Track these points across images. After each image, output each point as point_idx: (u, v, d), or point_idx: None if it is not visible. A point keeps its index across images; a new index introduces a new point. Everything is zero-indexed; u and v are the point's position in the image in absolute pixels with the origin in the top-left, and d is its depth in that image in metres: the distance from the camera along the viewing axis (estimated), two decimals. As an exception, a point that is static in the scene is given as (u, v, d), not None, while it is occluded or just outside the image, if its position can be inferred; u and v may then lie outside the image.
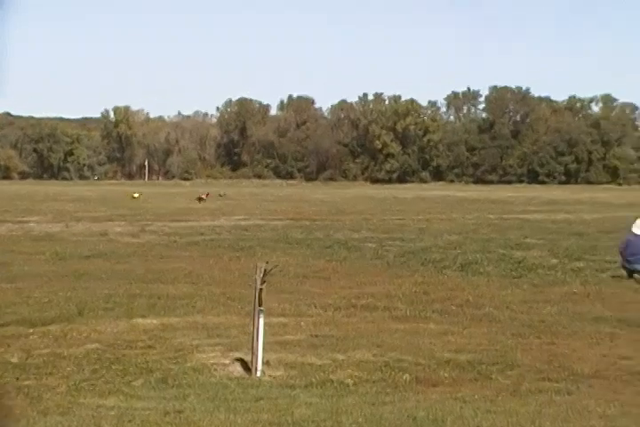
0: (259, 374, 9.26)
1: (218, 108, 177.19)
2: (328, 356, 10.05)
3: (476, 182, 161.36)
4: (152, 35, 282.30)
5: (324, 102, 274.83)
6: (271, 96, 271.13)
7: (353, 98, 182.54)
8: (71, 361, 9.79)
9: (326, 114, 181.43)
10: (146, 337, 11.10)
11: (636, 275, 18.61)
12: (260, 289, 9.44)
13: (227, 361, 9.75)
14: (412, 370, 9.45)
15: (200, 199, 60.60)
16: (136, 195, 64.72)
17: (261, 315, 9.37)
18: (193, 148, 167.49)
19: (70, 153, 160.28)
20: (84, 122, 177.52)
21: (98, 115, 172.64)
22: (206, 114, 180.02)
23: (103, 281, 16.79)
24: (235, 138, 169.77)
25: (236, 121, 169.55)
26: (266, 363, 9.43)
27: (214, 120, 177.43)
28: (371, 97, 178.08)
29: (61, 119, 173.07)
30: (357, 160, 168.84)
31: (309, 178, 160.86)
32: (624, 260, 19.00)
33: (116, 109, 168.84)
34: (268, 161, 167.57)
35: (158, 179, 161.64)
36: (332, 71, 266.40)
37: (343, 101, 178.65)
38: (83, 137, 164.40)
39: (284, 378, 9.17)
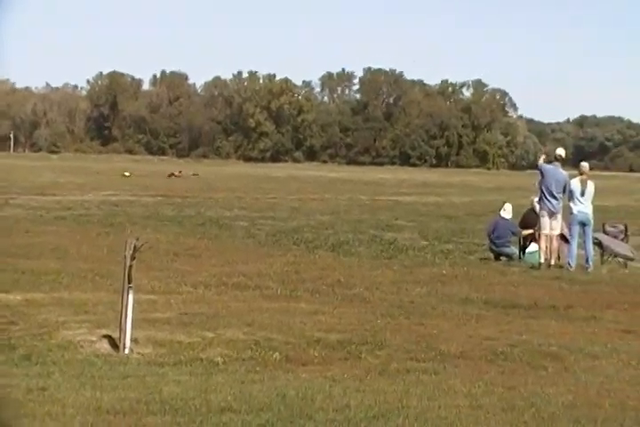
0: (127, 351, 9.09)
1: (88, 81, 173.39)
2: (198, 334, 9.93)
3: (348, 163, 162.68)
4: None
5: (198, 79, 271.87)
6: (144, 71, 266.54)
7: (227, 75, 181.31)
8: None
9: (200, 90, 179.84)
10: (8, 313, 10.75)
11: (502, 257, 19.09)
12: (130, 266, 9.24)
13: (94, 338, 9.52)
14: (283, 349, 9.42)
15: (172, 175, 59.81)
16: (127, 173, 61.52)
17: (130, 292, 9.19)
18: (61, 120, 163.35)
19: None
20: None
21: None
22: (76, 86, 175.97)
23: (-37, 255, 16.19)
24: (105, 112, 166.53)
25: (106, 95, 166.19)
26: (134, 340, 9.25)
27: (84, 93, 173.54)
28: (245, 75, 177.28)
29: None
30: (231, 138, 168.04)
31: (181, 155, 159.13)
32: (491, 242, 19.45)
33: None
34: (140, 136, 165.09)
35: (24, 151, 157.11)
36: (207, 47, 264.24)
37: (217, 78, 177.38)
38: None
39: (153, 356, 9.02)
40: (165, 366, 8.62)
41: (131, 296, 9.19)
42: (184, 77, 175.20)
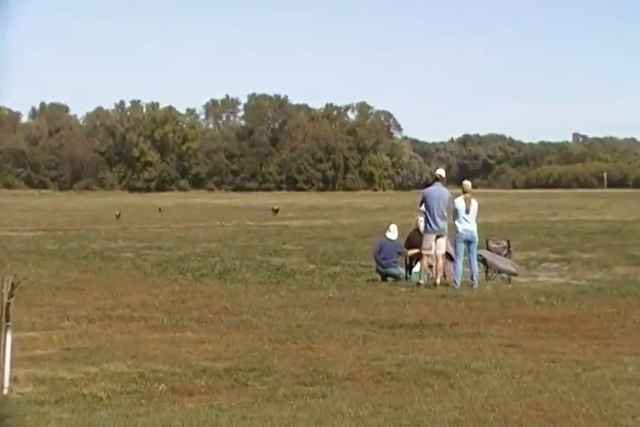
0: (5, 391, 8.79)
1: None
2: (80, 369, 9.70)
3: (235, 190, 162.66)
4: None
5: (80, 110, 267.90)
6: (22, 103, 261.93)
7: (109, 105, 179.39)
8: None
9: (82, 121, 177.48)
10: None
11: (389, 278, 19.24)
12: (8, 303, 8.97)
13: (-29, 380, 9.19)
14: (168, 380, 9.27)
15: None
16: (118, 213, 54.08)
17: (8, 330, 8.91)
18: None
19: None
20: None
21: None
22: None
23: None
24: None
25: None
26: (13, 380, 8.97)
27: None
28: (128, 104, 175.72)
29: None
30: (114, 169, 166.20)
31: (64, 187, 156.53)
32: (378, 264, 19.59)
33: None
34: (19, 170, 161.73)
35: None
36: (88, 78, 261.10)
37: (99, 109, 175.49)
38: None
39: (33, 394, 8.74)
40: (46, 404, 8.37)
41: (9, 335, 8.90)
42: (64, 109, 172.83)
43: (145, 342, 11.44)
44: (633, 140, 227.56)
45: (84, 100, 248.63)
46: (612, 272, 21.27)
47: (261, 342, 11.54)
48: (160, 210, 65.03)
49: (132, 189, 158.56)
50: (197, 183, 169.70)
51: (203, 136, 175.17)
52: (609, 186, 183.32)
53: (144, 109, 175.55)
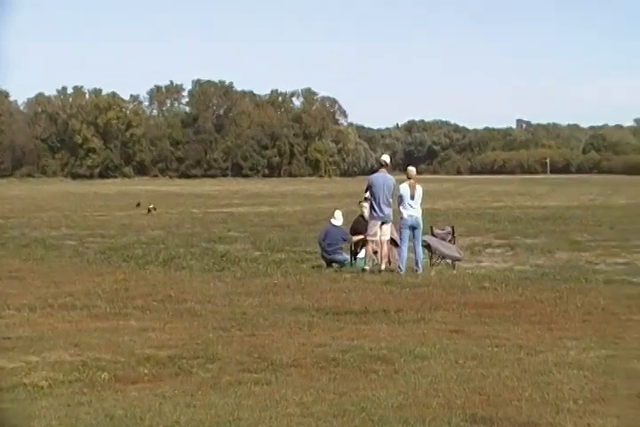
0: (-56, 382, 8.65)
1: None
2: (21, 358, 9.56)
3: (180, 177, 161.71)
4: None
5: (20, 96, 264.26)
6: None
7: (51, 91, 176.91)
8: None
9: (22, 108, 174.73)
10: None
11: (334, 264, 19.24)
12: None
13: None
14: (111, 368, 9.17)
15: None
16: (151, 206, 45.42)
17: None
18: None
19: None
20: None
21: None
22: None
23: None
24: None
25: None
26: (-49, 370, 8.82)
27: None
28: (70, 90, 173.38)
29: None
30: (57, 156, 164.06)
31: (4, 175, 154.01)
32: (323, 250, 19.58)
33: None
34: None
35: None
36: (28, 63, 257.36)
37: (41, 95, 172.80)
38: None
39: (-28, 384, 8.61)
40: (-15, 394, 8.24)
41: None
42: (4, 95, 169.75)
43: (87, 330, 11.33)
44: (576, 126, 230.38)
45: (24, 85, 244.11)
46: (555, 258, 21.50)
47: (206, 329, 11.48)
48: (139, 205, 49.29)
49: (76, 177, 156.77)
50: (142, 170, 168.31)
51: (147, 123, 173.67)
52: (552, 172, 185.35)
53: (87, 96, 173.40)
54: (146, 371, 9.11)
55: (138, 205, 48.81)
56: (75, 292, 14.82)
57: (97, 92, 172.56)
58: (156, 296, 14.42)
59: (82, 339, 10.64)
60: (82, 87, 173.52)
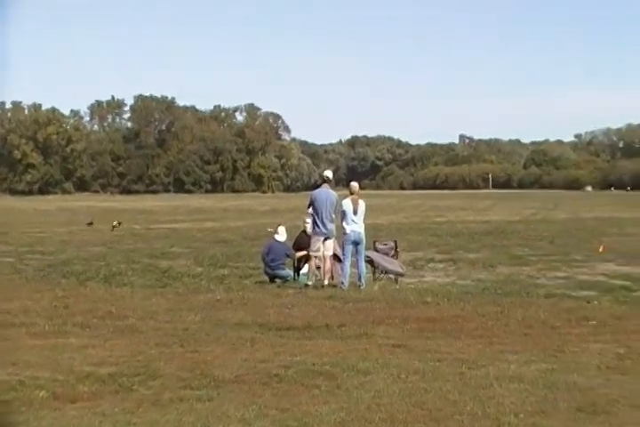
0: None
1: None
2: (-43, 378, 9.36)
3: (122, 192, 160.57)
4: None
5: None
6: None
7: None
8: None
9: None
10: None
11: (277, 280, 19.20)
12: None
13: None
14: (50, 386, 9.01)
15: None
16: (115, 223, 44.84)
17: None
18: None
19: None
20: None
21: None
22: None
23: None
24: None
25: None
26: None
27: None
28: (9, 105, 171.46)
29: None
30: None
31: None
32: (266, 266, 19.54)
33: None
34: None
35: None
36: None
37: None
38: None
39: None
40: None
41: None
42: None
43: (26, 348, 11.12)
44: (517, 141, 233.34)
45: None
46: (497, 272, 21.68)
47: (147, 346, 11.35)
48: (91, 224, 47.33)
49: (14, 192, 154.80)
50: (82, 186, 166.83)
51: (88, 138, 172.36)
52: (494, 186, 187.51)
53: (26, 111, 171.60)
54: (85, 389, 8.98)
55: (90, 224, 47.25)
56: (12, 309, 14.56)
57: (36, 107, 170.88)
58: (97, 313, 14.23)
59: (20, 357, 10.44)
60: (20, 102, 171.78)
